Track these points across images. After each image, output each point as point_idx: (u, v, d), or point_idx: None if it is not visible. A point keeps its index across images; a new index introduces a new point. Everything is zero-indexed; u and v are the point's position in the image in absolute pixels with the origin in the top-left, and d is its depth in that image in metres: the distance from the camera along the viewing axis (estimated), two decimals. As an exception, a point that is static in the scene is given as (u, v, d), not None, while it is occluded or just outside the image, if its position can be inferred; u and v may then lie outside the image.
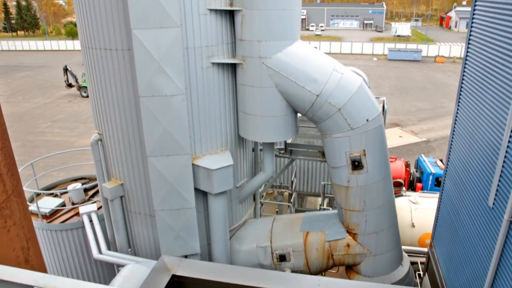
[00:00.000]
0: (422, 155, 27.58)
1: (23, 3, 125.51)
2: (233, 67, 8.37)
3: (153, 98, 7.46)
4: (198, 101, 8.01)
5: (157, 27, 7.10)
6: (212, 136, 8.44)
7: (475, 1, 8.54)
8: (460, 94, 9.12)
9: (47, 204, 11.26)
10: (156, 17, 7.04)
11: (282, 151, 10.85)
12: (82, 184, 12.23)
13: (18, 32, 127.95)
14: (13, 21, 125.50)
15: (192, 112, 7.99)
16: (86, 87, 48.77)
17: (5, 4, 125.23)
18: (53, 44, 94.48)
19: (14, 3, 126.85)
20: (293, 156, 10.92)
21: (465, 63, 8.84)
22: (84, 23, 7.96)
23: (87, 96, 47.24)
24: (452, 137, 9.47)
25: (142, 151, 8.25)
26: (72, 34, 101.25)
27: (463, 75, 8.91)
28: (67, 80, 52.11)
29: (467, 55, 8.83)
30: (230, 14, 7.98)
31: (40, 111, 46.24)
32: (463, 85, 8.97)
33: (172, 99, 7.50)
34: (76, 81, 51.79)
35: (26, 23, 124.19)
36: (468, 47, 8.77)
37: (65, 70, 51.49)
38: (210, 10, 7.63)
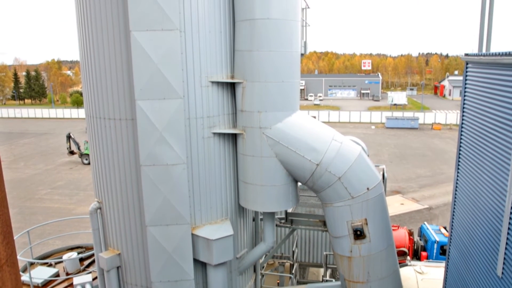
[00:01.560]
0: (425, 222, 27.13)
1: (33, 73, 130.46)
2: (233, 137, 8.52)
3: (154, 167, 7.52)
4: (198, 170, 8.06)
5: (160, 98, 7.33)
6: (212, 206, 8.38)
7: (466, 72, 8.91)
8: (458, 161, 9.19)
9: (41, 274, 10.91)
10: (159, 88, 7.29)
11: (283, 221, 10.72)
12: (78, 253, 11.93)
13: (26, 100, 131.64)
14: (21, 90, 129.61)
15: (192, 181, 8.00)
16: (87, 154, 49.23)
17: (15, 74, 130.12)
18: (58, 112, 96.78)
19: (24, 73, 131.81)
20: (294, 226, 10.76)
21: (461, 130, 9.02)
22: (90, 93, 8.24)
23: (89, 163, 47.43)
24: (454, 204, 9.39)
25: (141, 220, 8.15)
26: (77, 102, 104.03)
27: (460, 142, 9.04)
28: (70, 147, 52.75)
29: (462, 122, 9.03)
30: (231, 86, 8.28)
31: (41, 178, 46.26)
32: (461, 151, 9.07)
33: (173, 168, 7.56)
34: (78, 148, 52.40)
35: (34, 92, 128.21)
36: (463, 115, 8.99)
37: (68, 137, 52.32)
38: (212, 82, 7.93)
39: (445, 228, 24.87)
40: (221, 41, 7.97)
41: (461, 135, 9.04)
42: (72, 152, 53.06)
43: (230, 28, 8.10)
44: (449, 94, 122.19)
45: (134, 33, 7.12)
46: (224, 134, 8.30)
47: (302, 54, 9.45)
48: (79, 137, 58.90)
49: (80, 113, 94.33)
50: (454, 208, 9.42)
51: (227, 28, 8.05)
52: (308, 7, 10.53)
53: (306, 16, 10.43)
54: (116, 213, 8.45)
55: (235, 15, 8.04)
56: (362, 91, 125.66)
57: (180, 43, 7.31)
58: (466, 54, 10.48)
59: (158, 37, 7.16)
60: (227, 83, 8.17)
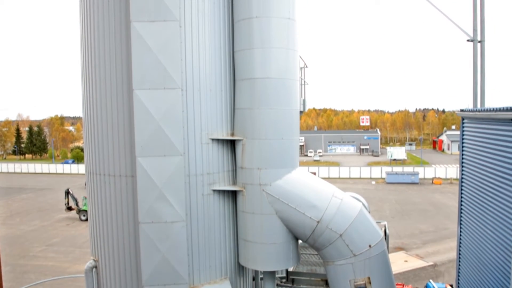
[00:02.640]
0: (431, 280, 26.24)
1: (35, 128, 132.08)
2: (233, 194, 8.48)
3: (153, 224, 7.41)
4: (198, 228, 7.94)
5: (161, 155, 7.38)
6: (211, 264, 8.17)
7: (463, 127, 9.04)
8: (461, 216, 9.09)
9: None
10: (160, 145, 7.36)
11: (283, 280, 10.39)
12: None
13: (26, 155, 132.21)
14: (23, 145, 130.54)
15: (191, 239, 7.86)
16: (85, 210, 48.61)
17: (17, 129, 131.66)
18: (58, 167, 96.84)
19: (27, 128, 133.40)
20: (295, 285, 10.41)
21: (462, 185, 9.00)
22: (91, 149, 8.31)
23: (86, 220, 46.70)
24: (459, 261, 9.18)
25: (138, 280, 7.91)
26: (77, 158, 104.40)
27: (461, 197, 9.00)
28: (68, 203, 52.19)
29: (462, 177, 9.03)
30: (231, 143, 8.36)
31: (36, 234, 45.37)
32: (462, 206, 9.00)
33: (172, 225, 7.45)
34: (77, 204, 51.84)
35: (35, 147, 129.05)
36: (462, 169, 9.02)
37: (67, 193, 51.93)
38: (212, 139, 8.02)
39: (451, 286, 24.06)
40: (221, 99, 8.16)
41: (462, 189, 9.03)
42: (70, 208, 52.43)
43: (230, 86, 8.32)
44: (448, 149, 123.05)
45: (137, 92, 7.31)
46: (224, 191, 8.27)
47: (301, 112, 9.65)
48: (78, 193, 58.51)
49: (80, 168, 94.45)
50: (459, 265, 9.19)
51: (227, 87, 8.27)
52: (306, 66, 10.88)
53: (305, 74, 10.75)
54: (112, 271, 8.22)
55: (235, 74, 8.29)
56: (362, 147, 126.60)
57: (181, 101, 7.49)
58: (462, 110, 10.71)
59: (160, 95, 7.34)
60: (227, 140, 8.26)
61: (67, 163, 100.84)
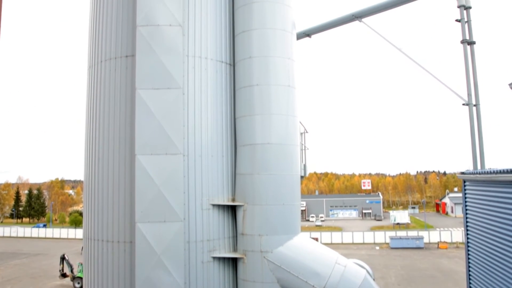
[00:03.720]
0: None
1: (35, 191, 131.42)
2: (234, 262, 8.25)
3: (150, 294, 7.15)
4: (197, 297, 7.64)
5: (160, 221, 7.30)
6: (209, 337, 7.76)
7: (464, 190, 8.98)
8: (470, 283, 8.77)
9: None
10: (160, 211, 7.30)
11: None
12: None
13: (24, 219, 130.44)
14: (21, 208, 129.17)
15: (189, 310, 7.53)
16: (80, 277, 47.02)
17: (17, 192, 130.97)
18: (55, 232, 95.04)
19: (26, 191, 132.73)
20: None
21: (468, 250, 8.78)
22: (90, 214, 8.23)
23: (80, 287, 45.01)
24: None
25: None
26: (76, 222, 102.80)
27: (469, 262, 8.74)
28: (62, 269, 50.50)
29: (468, 241, 8.84)
30: (232, 209, 8.29)
31: (28, 303, 43.48)
32: (470, 272, 8.71)
33: (170, 295, 7.18)
34: (71, 270, 50.18)
35: (33, 210, 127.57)
36: (467, 234, 8.84)
37: (62, 259, 50.44)
38: (213, 205, 7.96)
39: None
40: (222, 164, 8.22)
41: (469, 254, 8.80)
42: (64, 275, 50.66)
43: (231, 152, 8.42)
44: (452, 211, 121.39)
45: (139, 157, 7.38)
46: (224, 258, 8.06)
47: (302, 176, 9.66)
48: (74, 258, 56.95)
49: (78, 233, 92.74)
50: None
51: (228, 152, 8.36)
52: (307, 132, 11.06)
53: (305, 139, 10.89)
54: None
55: (236, 140, 8.41)
56: (364, 211, 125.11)
57: (183, 167, 7.53)
58: (462, 173, 10.71)
59: (162, 160, 7.40)
60: (228, 206, 8.20)
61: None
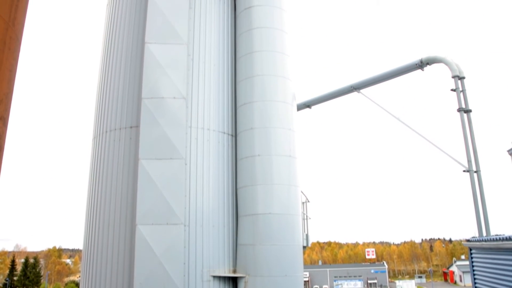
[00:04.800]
0: None
1: (31, 260, 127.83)
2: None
3: None
4: None
5: (159, 292, 7.07)
6: None
7: (471, 258, 8.74)
8: None
9: None
10: (160, 284, 7.09)
11: None
12: None
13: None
14: (15, 278, 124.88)
15: None
16: None
17: (13, 261, 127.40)
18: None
19: (23, 260, 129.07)
20: None
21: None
22: (88, 285, 8.01)
23: None
24: None
25: None
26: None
27: None
28: None
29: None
30: (233, 281, 8.05)
31: None
32: None
33: None
34: None
35: (28, 280, 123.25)
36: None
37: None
38: (214, 276, 7.75)
39: None
40: (224, 235, 8.12)
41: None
42: None
43: (233, 222, 8.36)
44: (460, 280, 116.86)
45: (140, 227, 7.32)
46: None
47: (304, 247, 9.49)
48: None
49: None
50: None
51: (230, 222, 8.30)
52: (308, 201, 11.02)
53: (307, 209, 10.83)
54: None
55: (238, 210, 8.39)
56: (369, 281, 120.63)
57: (183, 237, 7.44)
58: (468, 240, 10.49)
59: (162, 230, 7.33)
60: (229, 278, 7.98)
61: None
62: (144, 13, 8.51)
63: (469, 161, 11.80)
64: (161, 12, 8.21)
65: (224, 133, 8.69)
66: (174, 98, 7.93)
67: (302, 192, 9.22)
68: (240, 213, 8.30)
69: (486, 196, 11.28)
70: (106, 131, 8.56)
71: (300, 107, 13.42)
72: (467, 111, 12.11)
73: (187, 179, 7.81)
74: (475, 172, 11.68)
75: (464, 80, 12.33)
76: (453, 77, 12.24)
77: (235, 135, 8.87)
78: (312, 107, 13.74)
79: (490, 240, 7.91)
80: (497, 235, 8.39)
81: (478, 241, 8.97)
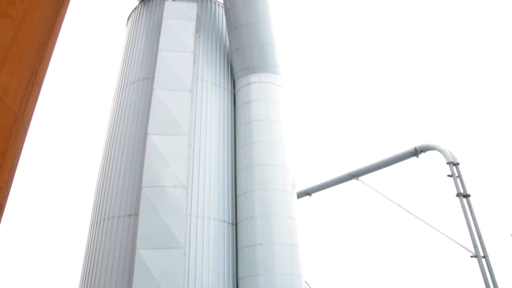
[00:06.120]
0: None
1: None
2: None
3: None
4: None
5: None
6: None
7: None
8: None
9: None
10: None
11: None
12: None
13: None
14: None
15: None
16: None
17: None
18: None
19: None
20: None
21: None
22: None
23: None
24: None
25: None
26: None
27: None
28: None
29: None
30: None
31: None
32: None
33: None
34: None
35: None
36: None
37: None
38: None
39: None
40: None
41: None
42: None
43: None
44: None
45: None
46: None
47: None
48: None
49: None
50: None
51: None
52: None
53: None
54: None
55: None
56: None
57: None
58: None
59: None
60: None
61: None
62: (148, 105, 8.96)
63: (475, 246, 11.49)
64: (164, 105, 8.63)
65: (225, 221, 8.62)
66: (175, 187, 8.00)
67: (306, 282, 8.88)
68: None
69: (499, 282, 10.79)
70: (105, 219, 8.54)
71: (301, 194, 13.42)
72: (466, 196, 12.09)
73: (185, 269, 7.59)
74: (483, 257, 11.32)
75: (459, 166, 12.47)
76: (448, 163, 12.41)
77: (235, 224, 8.79)
78: (313, 194, 13.73)
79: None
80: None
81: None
